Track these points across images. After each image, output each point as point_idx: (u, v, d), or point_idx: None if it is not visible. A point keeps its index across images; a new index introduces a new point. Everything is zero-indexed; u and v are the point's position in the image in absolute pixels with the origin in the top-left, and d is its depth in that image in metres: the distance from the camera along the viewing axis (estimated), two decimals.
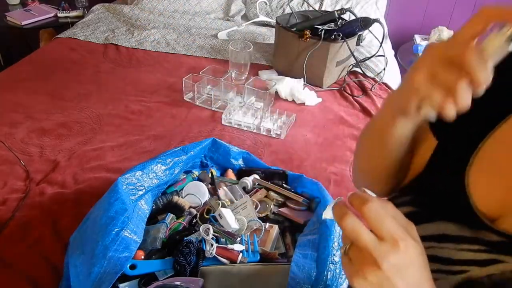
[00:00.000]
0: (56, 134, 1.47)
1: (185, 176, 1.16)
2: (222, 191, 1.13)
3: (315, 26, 1.84)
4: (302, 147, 1.48)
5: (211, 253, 0.91)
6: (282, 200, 1.11)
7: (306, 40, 1.75)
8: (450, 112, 0.38)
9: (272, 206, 1.08)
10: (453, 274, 0.44)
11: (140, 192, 1.01)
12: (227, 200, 1.09)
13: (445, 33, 2.40)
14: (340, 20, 1.87)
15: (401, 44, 2.57)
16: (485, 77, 0.36)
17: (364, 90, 1.85)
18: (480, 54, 0.37)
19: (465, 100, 0.37)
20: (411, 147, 0.56)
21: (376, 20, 1.74)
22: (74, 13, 2.66)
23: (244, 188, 1.15)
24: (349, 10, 1.86)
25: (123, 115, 1.60)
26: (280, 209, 1.08)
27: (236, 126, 1.57)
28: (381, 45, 1.89)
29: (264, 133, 1.53)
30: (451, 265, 0.44)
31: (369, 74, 1.93)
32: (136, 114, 1.61)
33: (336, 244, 0.88)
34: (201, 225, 0.98)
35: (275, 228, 1.01)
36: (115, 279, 0.80)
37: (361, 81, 1.91)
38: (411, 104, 0.42)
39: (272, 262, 0.95)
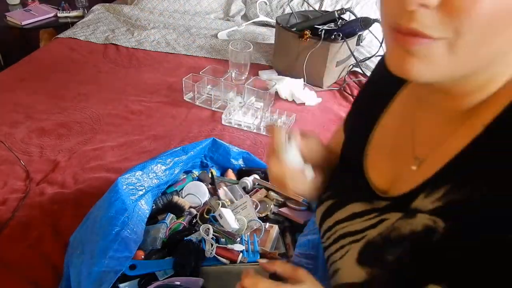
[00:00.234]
0: (56, 134, 1.47)
1: (185, 176, 1.16)
2: (222, 191, 1.13)
3: (315, 26, 1.84)
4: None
5: (211, 253, 0.91)
6: (282, 200, 1.11)
7: (306, 40, 1.75)
8: None
9: (272, 206, 1.08)
10: (358, 241, 0.53)
11: (140, 192, 1.01)
12: (227, 200, 1.09)
13: None
14: (340, 20, 1.87)
15: None
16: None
17: None
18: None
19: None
20: (333, 160, 0.68)
21: (376, 20, 1.74)
22: (74, 13, 2.66)
23: (244, 188, 1.15)
24: (349, 10, 1.86)
25: (123, 115, 1.60)
26: (280, 209, 1.08)
27: (236, 126, 1.57)
28: (381, 45, 1.89)
29: (264, 133, 1.53)
30: (356, 234, 0.54)
31: (369, 74, 1.93)
32: (136, 114, 1.61)
33: None
34: (201, 225, 0.98)
35: (275, 228, 1.01)
36: (115, 279, 0.80)
37: (361, 81, 1.91)
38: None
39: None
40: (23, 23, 2.51)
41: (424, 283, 0.43)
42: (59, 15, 2.64)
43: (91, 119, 1.56)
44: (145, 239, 0.95)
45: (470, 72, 0.42)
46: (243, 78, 1.82)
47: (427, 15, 0.37)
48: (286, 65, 1.88)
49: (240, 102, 1.66)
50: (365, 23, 1.75)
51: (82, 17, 2.52)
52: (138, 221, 0.95)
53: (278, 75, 1.89)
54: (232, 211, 1.03)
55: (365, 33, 1.97)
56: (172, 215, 1.03)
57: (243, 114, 1.59)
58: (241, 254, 0.92)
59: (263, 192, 1.13)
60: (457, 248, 0.41)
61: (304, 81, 1.82)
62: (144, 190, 1.02)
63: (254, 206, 1.06)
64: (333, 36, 1.74)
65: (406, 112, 0.55)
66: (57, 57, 1.97)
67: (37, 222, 1.10)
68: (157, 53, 2.07)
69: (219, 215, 0.99)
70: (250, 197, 1.09)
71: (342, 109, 1.74)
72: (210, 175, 1.18)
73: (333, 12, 1.87)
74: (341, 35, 1.74)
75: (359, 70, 1.95)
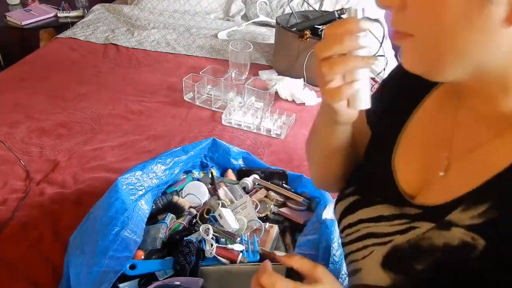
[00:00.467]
0: (56, 134, 1.47)
1: (185, 176, 1.16)
2: (222, 191, 1.13)
3: (315, 26, 1.84)
4: (302, 147, 1.48)
5: (211, 253, 0.91)
6: (282, 200, 1.11)
7: (306, 40, 1.75)
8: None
9: (272, 206, 1.08)
10: (384, 245, 0.52)
11: (140, 192, 1.01)
12: (227, 200, 1.09)
13: None
14: None
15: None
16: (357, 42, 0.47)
17: None
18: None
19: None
20: (353, 147, 0.64)
21: (376, 20, 1.74)
22: (74, 13, 2.66)
23: (244, 188, 1.15)
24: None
25: (123, 115, 1.60)
26: (280, 209, 1.08)
27: (236, 126, 1.57)
28: (381, 45, 1.89)
29: (264, 133, 1.53)
30: (382, 237, 0.52)
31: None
32: (136, 114, 1.61)
33: (336, 244, 0.88)
34: (201, 225, 0.98)
35: (275, 228, 1.01)
36: (115, 279, 0.80)
37: None
38: (329, 100, 0.54)
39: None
40: (23, 23, 2.51)
41: None
42: (59, 15, 2.64)
43: (91, 119, 1.56)
44: (145, 239, 0.95)
45: (471, 68, 0.42)
46: (243, 78, 1.82)
47: (399, 16, 0.43)
48: (286, 65, 1.88)
49: (240, 102, 1.66)
50: None
51: (82, 17, 2.52)
52: (138, 221, 0.95)
53: (278, 75, 1.89)
54: (232, 211, 1.03)
55: (365, 33, 1.96)
56: (172, 215, 1.03)
57: (243, 114, 1.60)
58: (241, 254, 0.92)
59: (263, 192, 1.13)
60: (496, 270, 0.40)
61: (304, 81, 1.82)
62: (144, 190, 1.02)
63: (254, 206, 1.06)
64: None
65: (443, 114, 0.53)
66: (57, 57, 1.97)
67: (37, 222, 1.10)
68: (157, 53, 2.07)
69: (219, 215, 0.99)
70: (250, 197, 1.09)
71: None
72: (210, 175, 1.18)
73: (333, 12, 1.87)
74: None
75: None
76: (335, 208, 0.64)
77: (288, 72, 1.86)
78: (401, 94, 0.61)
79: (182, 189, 1.12)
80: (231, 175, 1.22)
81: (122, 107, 1.64)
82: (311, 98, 1.74)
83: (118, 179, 0.98)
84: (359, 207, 0.58)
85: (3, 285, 0.95)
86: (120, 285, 0.87)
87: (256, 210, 1.05)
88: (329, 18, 1.86)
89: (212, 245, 0.92)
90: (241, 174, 1.22)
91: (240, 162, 1.26)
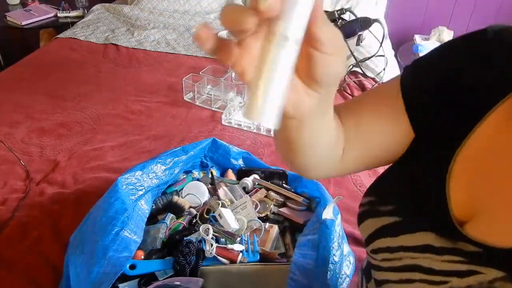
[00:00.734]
0: (56, 134, 1.47)
1: (185, 176, 1.16)
2: (222, 191, 1.13)
3: None
4: None
5: (211, 253, 0.91)
6: (282, 200, 1.11)
7: None
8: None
9: (272, 206, 1.08)
10: (436, 285, 0.43)
11: (140, 192, 1.01)
12: (227, 200, 1.09)
13: (445, 33, 2.40)
14: (340, 20, 1.87)
15: (401, 44, 2.57)
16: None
17: (364, 90, 1.85)
18: None
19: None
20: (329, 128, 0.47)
21: (376, 20, 1.74)
22: (74, 13, 2.66)
23: (244, 188, 1.15)
24: (349, 10, 1.86)
25: (123, 115, 1.60)
26: (280, 209, 1.08)
27: (236, 126, 1.57)
28: (381, 45, 1.89)
29: (264, 133, 1.53)
30: (433, 275, 0.44)
31: (369, 74, 1.93)
32: (136, 114, 1.61)
33: (336, 244, 0.88)
34: (201, 225, 0.98)
35: (275, 228, 1.01)
36: (115, 279, 0.80)
37: (361, 81, 1.91)
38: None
39: (272, 262, 0.95)
40: (23, 23, 2.51)
41: None
42: (59, 15, 2.64)
43: (91, 119, 1.56)
44: (145, 239, 0.95)
45: None
46: None
47: None
48: None
49: (240, 102, 1.66)
50: (365, 23, 1.75)
51: (82, 17, 2.52)
52: (138, 221, 0.95)
53: None
54: (232, 211, 1.03)
55: (365, 33, 1.97)
56: (172, 215, 1.03)
57: (243, 114, 1.59)
58: (241, 254, 0.92)
59: (263, 192, 1.13)
60: None
61: None
62: (144, 190, 1.02)
63: (254, 206, 1.06)
64: None
65: None
66: (57, 57, 1.97)
67: (37, 222, 1.10)
68: (157, 53, 2.07)
69: (219, 215, 0.99)
70: (250, 197, 1.09)
71: None
72: (210, 175, 1.18)
73: (333, 12, 1.87)
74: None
75: (359, 70, 1.94)
76: (362, 221, 0.54)
77: None
78: (461, 97, 0.47)
79: (182, 189, 1.12)
80: (231, 175, 1.22)
81: (122, 107, 1.64)
82: None
83: (118, 179, 0.98)
84: (400, 232, 0.48)
85: (3, 285, 0.95)
86: (120, 285, 0.87)
87: (256, 210, 1.05)
88: (329, 18, 1.86)
89: (212, 245, 0.92)
90: (241, 174, 1.22)
91: (240, 162, 1.26)
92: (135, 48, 2.09)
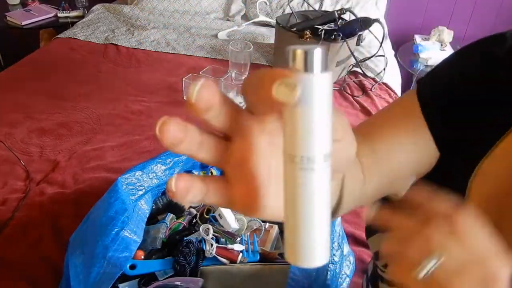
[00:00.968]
0: (56, 134, 1.47)
1: None
2: None
3: (315, 26, 1.84)
4: None
5: (211, 253, 0.91)
6: None
7: (306, 40, 1.75)
8: None
9: None
10: None
11: (140, 192, 1.01)
12: None
13: (445, 33, 2.40)
14: (340, 20, 1.87)
15: (401, 44, 2.57)
16: None
17: (364, 90, 1.85)
18: None
19: None
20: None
21: (376, 20, 1.74)
22: (74, 13, 2.66)
23: None
24: (349, 10, 1.86)
25: (123, 115, 1.60)
26: None
27: None
28: (381, 45, 1.89)
29: None
30: None
31: (369, 74, 1.93)
32: (136, 114, 1.61)
33: (336, 244, 0.88)
34: (201, 225, 0.98)
35: (275, 228, 1.01)
36: (115, 279, 0.80)
37: (361, 81, 1.91)
38: None
39: (272, 262, 0.95)
40: (23, 23, 2.51)
41: None
42: (59, 15, 2.64)
43: (91, 119, 1.56)
44: (145, 239, 0.95)
45: None
46: (243, 78, 1.82)
47: None
48: (286, 65, 1.88)
49: (240, 102, 1.66)
50: (365, 23, 1.75)
51: (82, 17, 2.52)
52: (138, 221, 0.95)
53: None
54: (232, 211, 1.03)
55: (365, 33, 1.97)
56: (172, 215, 1.03)
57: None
58: (241, 254, 0.92)
59: None
60: None
61: None
62: (144, 190, 1.02)
63: None
64: (333, 36, 1.74)
65: None
66: (57, 57, 1.97)
67: (37, 222, 1.10)
68: (157, 53, 2.07)
69: (219, 215, 0.99)
70: None
71: (342, 109, 1.74)
72: (210, 175, 1.18)
73: (333, 12, 1.87)
74: (341, 35, 1.74)
75: (359, 70, 1.94)
76: (371, 234, 0.51)
77: None
78: (484, 110, 0.44)
79: None
80: None
81: (122, 107, 1.64)
82: None
83: (118, 179, 0.98)
84: None
85: (3, 285, 0.95)
86: (120, 285, 0.87)
87: None
88: (329, 18, 1.86)
89: (212, 245, 0.92)
90: None
91: None
92: (135, 48, 2.09)
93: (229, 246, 0.93)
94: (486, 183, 0.42)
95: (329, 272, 0.83)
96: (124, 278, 0.87)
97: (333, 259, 0.85)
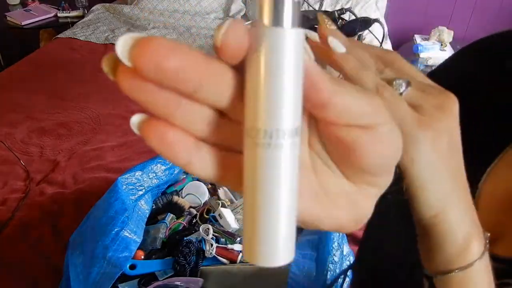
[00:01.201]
0: (56, 134, 1.47)
1: (185, 176, 1.16)
2: (222, 191, 1.13)
3: (315, 26, 1.84)
4: None
5: (211, 253, 0.91)
6: None
7: (306, 40, 1.75)
8: None
9: None
10: None
11: (140, 192, 1.01)
12: (227, 200, 1.09)
13: (445, 33, 2.40)
14: (340, 20, 1.87)
15: (401, 44, 2.57)
16: None
17: None
18: None
19: None
20: None
21: (376, 20, 1.74)
22: (74, 13, 2.66)
23: None
24: (349, 10, 1.86)
25: (123, 115, 1.60)
26: None
27: None
28: (381, 45, 1.89)
29: None
30: None
31: None
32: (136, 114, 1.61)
33: (336, 244, 0.88)
34: (201, 225, 0.98)
35: None
36: (115, 279, 0.80)
37: None
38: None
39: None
40: (23, 23, 2.51)
41: None
42: (59, 15, 2.64)
43: (91, 119, 1.56)
44: (145, 239, 0.95)
45: None
46: None
47: None
48: None
49: None
50: (365, 23, 1.74)
51: (82, 17, 2.52)
52: (138, 221, 0.95)
53: None
54: (232, 211, 1.03)
55: (365, 33, 1.96)
56: (172, 215, 1.03)
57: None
58: (241, 254, 0.92)
59: None
60: None
61: None
62: (144, 190, 1.02)
63: None
64: None
65: None
66: (57, 57, 1.97)
67: (37, 222, 1.10)
68: None
69: (219, 215, 0.99)
70: None
71: None
72: None
73: (333, 12, 1.86)
74: None
75: None
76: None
77: None
78: (489, 116, 0.42)
79: (182, 189, 1.12)
80: None
81: (122, 107, 1.64)
82: None
83: (118, 179, 0.98)
84: None
85: (3, 285, 0.95)
86: (120, 285, 0.87)
87: None
88: (329, 18, 1.86)
89: (212, 245, 0.92)
90: None
91: None
92: None
93: (229, 246, 0.93)
94: (497, 187, 0.41)
95: (329, 272, 0.83)
96: (124, 278, 0.87)
97: (333, 259, 0.85)
